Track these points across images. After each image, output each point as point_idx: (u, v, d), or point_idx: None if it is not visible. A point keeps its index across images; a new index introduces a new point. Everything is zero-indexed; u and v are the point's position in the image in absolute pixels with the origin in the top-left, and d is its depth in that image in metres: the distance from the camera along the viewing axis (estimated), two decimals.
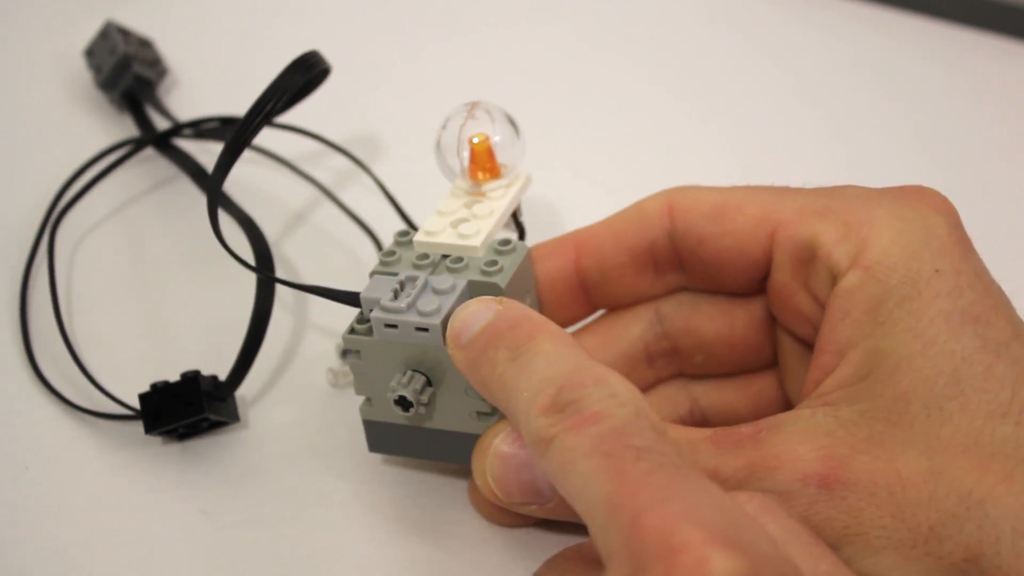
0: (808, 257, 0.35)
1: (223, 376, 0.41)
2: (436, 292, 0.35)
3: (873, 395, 0.32)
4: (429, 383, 0.35)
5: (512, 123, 0.39)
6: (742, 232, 0.36)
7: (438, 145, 0.39)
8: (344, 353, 0.44)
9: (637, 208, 0.38)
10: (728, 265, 0.37)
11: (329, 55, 0.42)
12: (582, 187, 0.52)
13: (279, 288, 0.47)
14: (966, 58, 0.61)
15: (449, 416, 0.36)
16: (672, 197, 0.38)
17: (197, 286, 0.48)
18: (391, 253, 0.37)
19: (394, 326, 0.34)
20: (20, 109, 0.57)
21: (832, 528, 0.30)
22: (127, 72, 0.54)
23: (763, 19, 0.64)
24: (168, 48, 0.58)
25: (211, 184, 0.36)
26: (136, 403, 0.40)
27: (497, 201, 0.38)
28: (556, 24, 0.64)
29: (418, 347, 0.34)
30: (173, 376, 0.40)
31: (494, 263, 0.36)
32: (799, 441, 0.31)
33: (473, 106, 0.39)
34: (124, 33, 0.56)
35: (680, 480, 0.27)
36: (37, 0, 0.63)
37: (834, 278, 0.34)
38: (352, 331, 0.36)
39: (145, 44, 0.57)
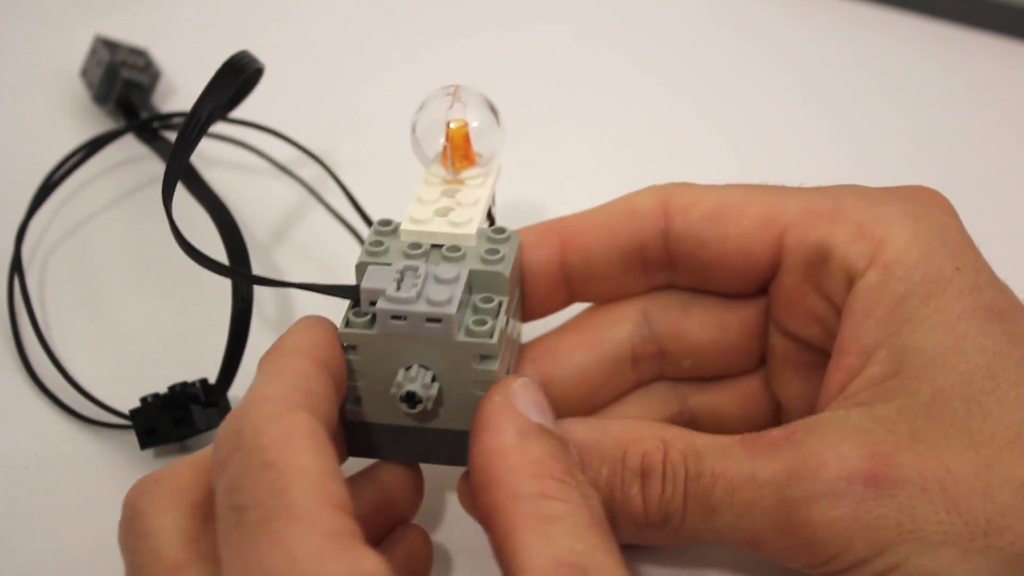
0: (820, 259, 0.34)
1: (212, 378, 0.40)
2: (440, 281, 0.33)
3: (908, 391, 0.31)
4: (434, 378, 0.33)
5: (492, 109, 0.37)
6: (746, 235, 0.35)
7: (414, 129, 0.37)
8: None
9: (628, 203, 0.37)
10: (730, 268, 0.36)
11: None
12: (574, 186, 0.51)
13: (267, 287, 0.46)
14: (966, 58, 0.61)
15: (450, 414, 0.34)
16: (666, 195, 0.36)
17: (184, 286, 0.47)
18: (378, 243, 0.35)
19: (402, 317, 0.32)
20: (18, 128, 0.57)
21: (884, 527, 0.30)
22: (116, 80, 0.54)
23: (762, 18, 0.64)
24: (165, 55, 0.58)
25: (165, 202, 0.34)
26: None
27: (478, 188, 0.37)
28: (553, 23, 0.64)
29: (425, 340, 0.32)
30: (164, 380, 0.40)
31: (495, 251, 0.34)
32: (838, 440, 0.31)
33: (454, 90, 0.37)
34: (112, 45, 0.56)
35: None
36: (33, 21, 0.63)
37: (850, 279, 0.33)
38: (348, 324, 0.33)
39: (137, 52, 0.57)
